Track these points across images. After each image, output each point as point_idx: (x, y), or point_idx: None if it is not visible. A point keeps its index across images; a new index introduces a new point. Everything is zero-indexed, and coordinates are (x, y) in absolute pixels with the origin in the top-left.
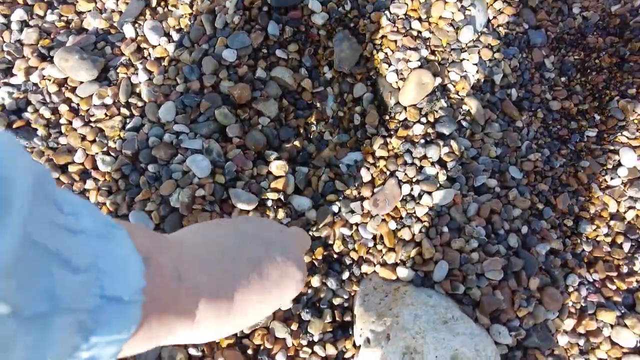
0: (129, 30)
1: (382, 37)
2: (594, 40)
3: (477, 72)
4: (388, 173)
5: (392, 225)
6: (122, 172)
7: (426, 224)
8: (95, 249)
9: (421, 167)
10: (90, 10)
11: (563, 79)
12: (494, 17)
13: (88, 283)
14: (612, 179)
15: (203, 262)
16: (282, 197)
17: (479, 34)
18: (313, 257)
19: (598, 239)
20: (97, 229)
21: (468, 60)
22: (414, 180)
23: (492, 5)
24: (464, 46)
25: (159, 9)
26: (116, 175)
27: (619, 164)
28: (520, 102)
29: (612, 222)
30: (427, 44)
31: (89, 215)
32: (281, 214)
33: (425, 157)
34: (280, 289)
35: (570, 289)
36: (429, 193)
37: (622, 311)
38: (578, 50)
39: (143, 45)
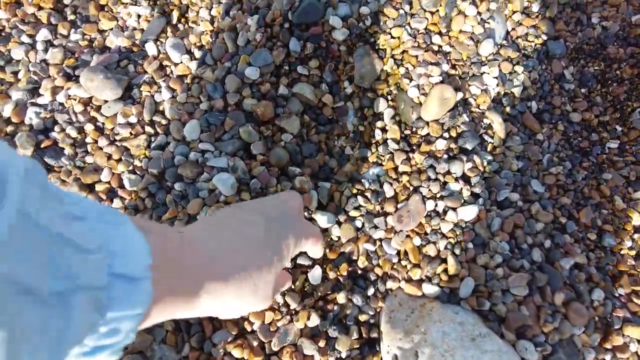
0: (151, 48)
1: (403, 52)
2: (614, 51)
3: (497, 85)
4: (412, 189)
5: (417, 241)
6: (149, 191)
7: (451, 240)
8: (101, 233)
9: (445, 183)
10: (112, 29)
11: (583, 90)
12: (513, 29)
13: (100, 262)
14: (635, 191)
15: (209, 231)
16: (305, 213)
17: (499, 46)
18: (338, 273)
19: (622, 252)
20: (99, 216)
21: (488, 73)
22: (438, 196)
23: (511, 17)
24: (484, 59)
25: (180, 26)
26: (143, 194)
27: None
28: (540, 114)
29: (636, 236)
30: (448, 58)
31: (89, 205)
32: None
33: (449, 172)
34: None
35: (596, 304)
36: (454, 209)
37: None
38: (598, 61)
39: (165, 63)
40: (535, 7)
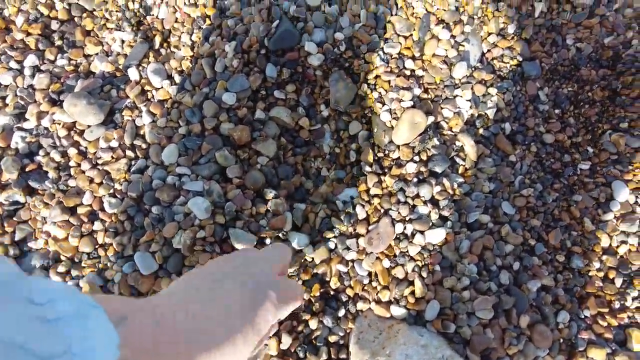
0: (133, 73)
1: (376, 77)
2: (587, 73)
3: (470, 107)
4: (382, 211)
5: (386, 263)
6: (128, 214)
7: (419, 262)
8: (70, 333)
9: (414, 206)
10: (97, 53)
11: (557, 111)
12: (489, 51)
13: None
14: (604, 213)
15: (185, 311)
16: (280, 235)
17: (473, 69)
18: (311, 294)
19: (590, 274)
20: (73, 311)
21: (461, 96)
22: (407, 219)
23: (486, 39)
24: (457, 82)
25: (162, 51)
26: (122, 217)
27: (612, 198)
28: (514, 135)
29: (604, 257)
30: (421, 82)
31: (64, 299)
32: None
33: (417, 196)
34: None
35: (561, 326)
36: (422, 232)
37: (613, 348)
38: (572, 82)
39: (147, 87)
40: (511, 29)
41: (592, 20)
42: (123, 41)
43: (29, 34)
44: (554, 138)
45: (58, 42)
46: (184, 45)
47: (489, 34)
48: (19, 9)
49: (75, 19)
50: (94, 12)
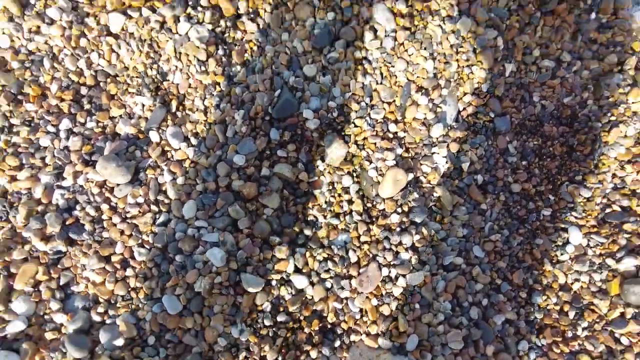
0: (154, 136)
1: (364, 138)
2: (549, 129)
3: (446, 162)
4: (371, 256)
5: (374, 302)
6: (155, 262)
7: (401, 302)
8: None
9: (397, 252)
10: (121, 116)
11: (524, 162)
12: (464, 109)
13: None
14: (561, 254)
15: None
16: (284, 277)
17: (449, 128)
18: (311, 328)
19: (549, 307)
20: None
21: (438, 153)
22: (391, 264)
23: (462, 98)
24: (435, 141)
25: (178, 114)
26: (150, 264)
27: (568, 242)
28: (485, 185)
29: (560, 293)
30: (402, 142)
31: None
32: (283, 291)
33: (400, 243)
34: None
35: (521, 354)
36: (404, 275)
37: None
38: (537, 137)
39: (167, 148)
40: (484, 87)
41: (555, 81)
42: (143, 105)
43: (62, 100)
44: (521, 187)
45: (87, 106)
46: (197, 110)
47: (465, 93)
48: (52, 77)
49: (101, 83)
50: (117, 78)
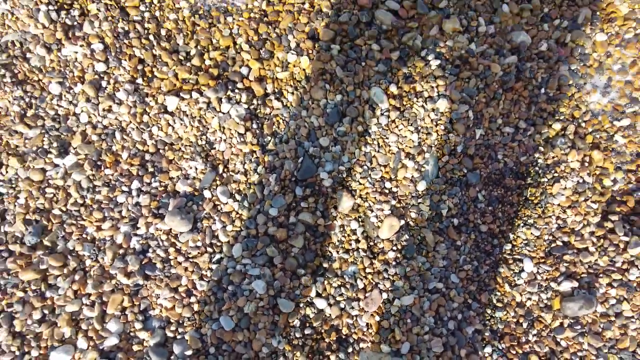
0: (207, 193)
1: (367, 193)
2: (509, 182)
3: (429, 209)
4: (374, 283)
5: (377, 318)
6: (213, 291)
7: (397, 318)
8: None
9: (393, 281)
10: (178, 177)
11: (490, 208)
12: (443, 167)
13: None
14: (518, 279)
15: None
16: (309, 300)
17: (431, 183)
18: (329, 339)
19: (508, 320)
20: None
21: (423, 203)
22: (389, 289)
23: (441, 159)
24: (420, 194)
25: (224, 175)
26: (209, 293)
27: (522, 270)
28: (460, 226)
29: (517, 309)
30: (395, 195)
31: None
32: (308, 311)
33: (396, 274)
34: None
35: (487, 355)
36: (398, 298)
37: None
38: (500, 188)
39: (217, 203)
40: (459, 149)
41: (514, 143)
42: (197, 168)
43: (131, 165)
44: (487, 228)
45: (151, 169)
46: (239, 172)
47: (443, 154)
48: (123, 146)
49: (161, 151)
50: (173, 146)
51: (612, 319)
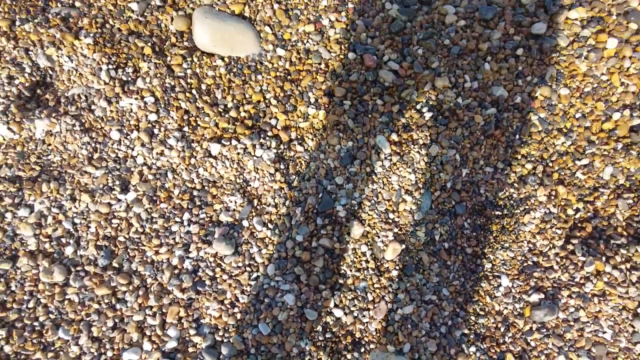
0: (245, 223)
1: (374, 222)
2: (490, 212)
3: (425, 235)
4: (381, 296)
5: (384, 324)
6: (252, 303)
7: (399, 324)
8: None
9: (397, 294)
10: (221, 209)
11: (474, 234)
12: (435, 200)
13: None
14: (497, 292)
15: None
16: (328, 310)
17: (426, 213)
18: (345, 341)
19: (489, 325)
20: None
21: (420, 230)
22: (393, 301)
23: (434, 194)
24: (417, 222)
25: (259, 207)
26: (249, 305)
27: (500, 284)
28: (449, 249)
29: (496, 316)
30: (397, 224)
31: None
32: (329, 319)
33: (399, 288)
34: None
35: (471, 353)
36: (401, 308)
37: None
38: (482, 217)
39: (253, 231)
40: (448, 185)
41: (493, 180)
42: (236, 202)
43: (182, 199)
44: (472, 250)
45: (198, 203)
46: (271, 205)
47: (436, 190)
48: (174, 184)
49: (206, 187)
50: (216, 183)
51: (572, 323)
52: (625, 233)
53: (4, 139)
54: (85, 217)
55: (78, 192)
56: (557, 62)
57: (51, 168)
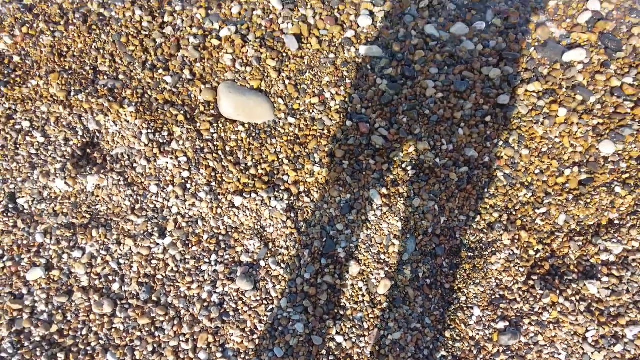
0: (262, 263)
1: (369, 263)
2: (464, 254)
3: (410, 273)
4: (374, 325)
5: (377, 348)
6: (268, 331)
7: (390, 347)
8: None
9: (387, 323)
10: (242, 251)
11: (451, 271)
12: (419, 243)
13: None
14: (470, 321)
15: None
16: (331, 337)
17: (411, 254)
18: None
19: (464, 349)
20: None
21: (406, 269)
22: (384, 328)
23: (417, 237)
24: (404, 262)
25: (273, 249)
26: (266, 332)
27: (473, 314)
28: (431, 285)
29: (470, 341)
30: (388, 264)
31: None
32: (331, 344)
33: (389, 318)
34: None
35: None
36: (390, 334)
37: None
38: (457, 257)
39: (269, 269)
40: (429, 230)
41: (466, 227)
42: (255, 245)
43: (209, 244)
44: (450, 285)
45: (223, 246)
46: (283, 248)
47: (419, 235)
48: (203, 230)
49: (229, 233)
50: (238, 229)
51: (532, 346)
52: (576, 270)
53: (61, 192)
54: (128, 258)
55: (122, 237)
56: (518, 127)
57: (99, 216)
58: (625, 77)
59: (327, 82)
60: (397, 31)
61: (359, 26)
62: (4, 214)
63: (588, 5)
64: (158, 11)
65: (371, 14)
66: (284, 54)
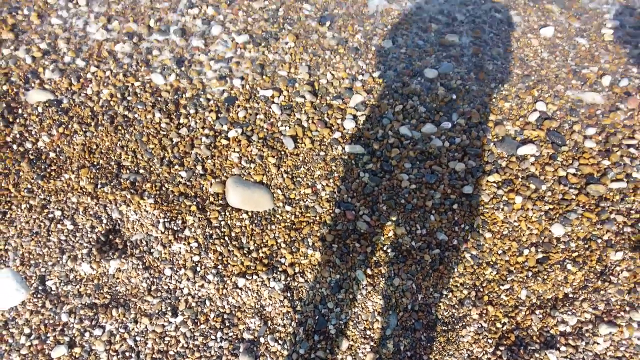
0: (262, 340)
1: (356, 337)
2: (439, 328)
3: (393, 346)
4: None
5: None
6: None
7: (385, 356)
8: None
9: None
10: (244, 329)
11: (429, 344)
12: (400, 319)
13: None
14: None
15: None
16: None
17: (393, 329)
18: None
19: None
20: None
21: (389, 343)
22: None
23: (399, 314)
24: (387, 337)
25: (271, 327)
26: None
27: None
28: (411, 357)
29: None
30: (373, 338)
31: None
32: None
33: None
34: None
35: None
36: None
37: None
38: (434, 331)
39: (268, 345)
40: (409, 307)
41: (440, 303)
42: (256, 323)
43: (216, 321)
44: (427, 357)
45: (227, 324)
46: (280, 325)
47: (400, 311)
48: (210, 309)
49: (233, 312)
50: (241, 308)
51: None
52: (538, 340)
53: (85, 274)
54: (144, 335)
55: (139, 315)
56: (482, 213)
57: (119, 297)
58: (570, 168)
59: (319, 175)
60: (377, 132)
61: (344, 128)
62: (34, 295)
63: (536, 106)
64: (175, 114)
65: (354, 117)
66: (283, 152)
